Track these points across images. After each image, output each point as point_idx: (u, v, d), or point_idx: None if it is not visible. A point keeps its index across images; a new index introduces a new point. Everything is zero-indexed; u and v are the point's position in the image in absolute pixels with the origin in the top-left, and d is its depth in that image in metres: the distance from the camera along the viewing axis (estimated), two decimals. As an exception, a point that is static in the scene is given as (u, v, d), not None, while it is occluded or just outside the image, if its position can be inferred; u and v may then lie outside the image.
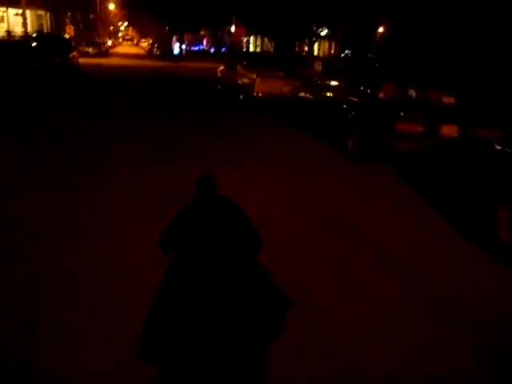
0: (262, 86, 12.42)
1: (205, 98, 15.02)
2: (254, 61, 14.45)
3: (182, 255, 2.52)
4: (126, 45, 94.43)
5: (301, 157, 8.08)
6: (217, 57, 48.51)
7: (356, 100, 7.93)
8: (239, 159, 7.50)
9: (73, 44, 21.52)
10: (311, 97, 9.80)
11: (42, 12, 44.68)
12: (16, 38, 24.18)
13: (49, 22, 45.02)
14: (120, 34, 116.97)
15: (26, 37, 20.36)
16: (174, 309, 2.38)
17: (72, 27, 40.12)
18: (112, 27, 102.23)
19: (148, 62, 36.63)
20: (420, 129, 6.70)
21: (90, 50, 41.65)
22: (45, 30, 43.86)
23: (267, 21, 25.88)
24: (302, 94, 10.44)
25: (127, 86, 18.20)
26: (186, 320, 2.33)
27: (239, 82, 13.75)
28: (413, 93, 7.66)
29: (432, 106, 7.03)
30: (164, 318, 2.38)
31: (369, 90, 7.75)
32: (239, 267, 2.46)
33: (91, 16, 73.23)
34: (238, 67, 14.29)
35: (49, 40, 19.32)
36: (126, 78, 21.94)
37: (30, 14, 44.24)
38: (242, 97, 13.56)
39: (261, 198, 5.62)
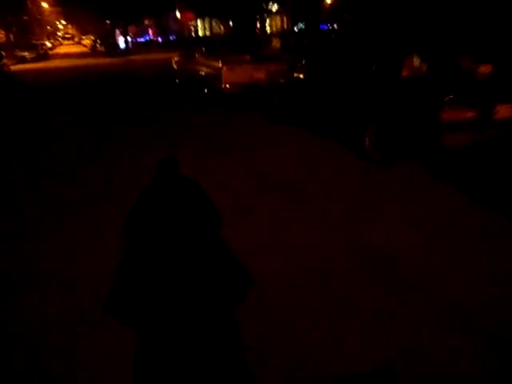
0: (230, 76, 10.30)
1: (164, 97, 12.68)
2: (213, 46, 12.28)
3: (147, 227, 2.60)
4: (67, 44, 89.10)
5: (309, 167, 6.01)
6: (166, 46, 45.56)
7: (367, 83, 5.98)
8: (228, 185, 5.39)
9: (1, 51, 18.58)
10: (299, 84, 7.77)
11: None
12: None
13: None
14: (59, 34, 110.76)
15: None
16: (139, 272, 2.53)
17: (3, 32, 36.27)
18: (49, 27, 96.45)
19: (93, 61, 33.53)
20: (472, 114, 4.85)
21: (27, 54, 38.04)
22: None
23: (218, 1, 23.54)
24: (285, 81, 8.42)
25: (71, 92, 15.66)
26: (149, 281, 2.46)
27: (200, 72, 11.55)
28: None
29: (480, 80, 5.16)
30: (130, 277, 2.57)
31: (384, 69, 5.79)
32: (199, 239, 2.57)
33: (25, 18, 68.20)
34: (197, 56, 12.04)
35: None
36: (69, 83, 19.24)
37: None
38: (206, 90, 11.39)
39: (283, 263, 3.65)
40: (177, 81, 14.13)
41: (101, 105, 12.00)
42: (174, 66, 14.05)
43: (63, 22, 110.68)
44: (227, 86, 10.34)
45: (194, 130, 8.47)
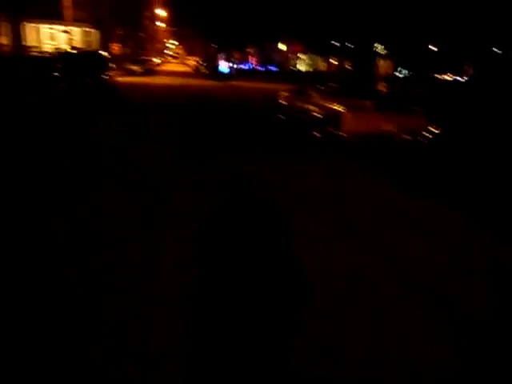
0: (352, 123, 8.74)
1: (266, 135, 11.36)
2: (331, 86, 10.84)
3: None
4: (173, 62, 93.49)
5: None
6: (267, 76, 45.30)
7: None
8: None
9: (109, 62, 18.59)
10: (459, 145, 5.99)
11: (89, 29, 43.10)
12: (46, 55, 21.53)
13: (97, 38, 43.36)
14: (169, 52, 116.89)
15: (52, 54, 17.66)
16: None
17: (118, 44, 37.94)
18: (160, 45, 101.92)
19: (196, 81, 33.80)
20: None
21: (136, 68, 39.42)
22: (93, 47, 42.25)
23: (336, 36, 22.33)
24: (428, 139, 6.68)
25: (168, 113, 14.96)
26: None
27: (314, 113, 10.11)
28: None
29: None
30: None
31: None
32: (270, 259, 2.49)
33: (140, 34, 72.31)
34: (312, 94, 10.65)
35: (78, 58, 16.41)
36: (170, 101, 18.79)
37: (79, 31, 42.79)
38: (319, 135, 9.89)
39: None
40: (283, 117, 12.81)
41: (196, 132, 10.98)
42: (282, 102, 12.79)
43: (172, 42, 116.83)
44: (348, 133, 8.76)
45: (298, 186, 6.95)
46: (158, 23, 79.20)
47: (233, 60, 49.52)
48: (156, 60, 63.75)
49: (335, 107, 9.26)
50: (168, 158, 8.19)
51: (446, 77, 42.17)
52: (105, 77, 17.06)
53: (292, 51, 50.66)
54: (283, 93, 13.12)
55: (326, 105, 9.71)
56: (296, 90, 11.95)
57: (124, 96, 18.79)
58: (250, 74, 48.72)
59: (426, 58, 42.79)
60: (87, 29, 43.23)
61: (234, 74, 43.02)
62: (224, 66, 44.89)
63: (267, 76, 45.80)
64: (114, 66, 19.13)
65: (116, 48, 37.47)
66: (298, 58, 51.44)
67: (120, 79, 30.72)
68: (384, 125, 8.76)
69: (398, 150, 7.60)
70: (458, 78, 39.74)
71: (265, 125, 12.64)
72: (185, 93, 23.01)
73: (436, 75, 40.32)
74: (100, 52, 18.40)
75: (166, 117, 13.66)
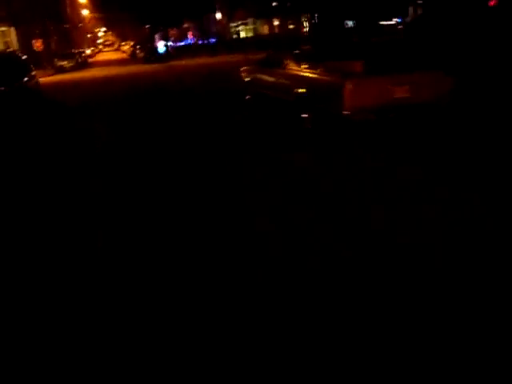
0: (357, 95, 6.20)
1: (238, 129, 8.40)
2: (309, 49, 8.19)
3: None
4: (108, 51, 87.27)
5: None
6: (208, 50, 41.78)
7: None
8: None
9: (30, 62, 15.11)
10: None
11: (4, 28, 38.02)
12: None
13: (15, 37, 38.38)
14: (100, 41, 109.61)
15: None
16: None
17: (40, 40, 33.42)
18: (90, 34, 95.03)
19: (133, 68, 30.15)
20: None
21: (65, 63, 35.18)
22: (12, 48, 37.36)
23: None
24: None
25: (105, 112, 11.97)
26: None
27: (296, 89, 7.42)
28: None
29: None
30: None
31: None
32: None
33: (65, 26, 66.28)
34: (288, 63, 7.93)
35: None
36: (105, 97, 15.61)
37: (-8, 31, 37.69)
38: (305, 116, 7.30)
39: None
40: (248, 98, 10.09)
41: (136, 134, 8.21)
42: (247, 78, 9.99)
43: (103, 29, 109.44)
44: (351, 111, 6.23)
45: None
46: (82, 11, 72.95)
47: (170, 39, 45.58)
48: (88, 51, 58.61)
49: (327, 77, 6.68)
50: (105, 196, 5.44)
51: (392, 22, 40.07)
52: (26, 81, 13.64)
53: (231, 20, 47.17)
54: (246, 67, 10.33)
55: (312, 75, 7.10)
56: (262, 60, 9.20)
57: (50, 100, 15.47)
58: (191, 50, 44.98)
59: (368, 5, 40.42)
60: (1, 28, 38.17)
61: (173, 53, 39.28)
62: (161, 46, 41.06)
63: (208, 49, 42.23)
64: (32, 67, 15.54)
65: (38, 44, 32.96)
66: (239, 25, 48.01)
67: (47, 79, 26.78)
68: (397, 91, 6.31)
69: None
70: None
71: (230, 113, 9.88)
72: (123, 83, 19.72)
73: (382, 22, 38.13)
74: (14, 53, 14.84)
75: (103, 120, 10.69)
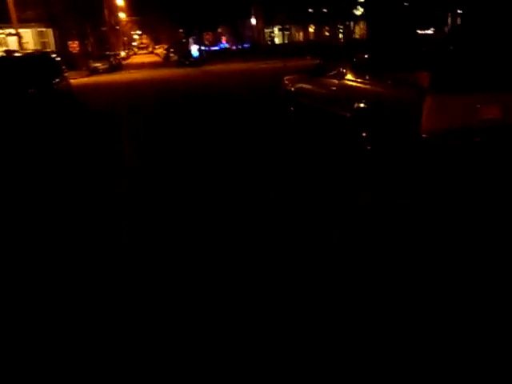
0: (441, 114, 5.07)
1: (284, 152, 7.10)
2: (366, 57, 7.09)
3: None
4: (142, 53, 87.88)
5: None
6: (242, 55, 41.05)
7: None
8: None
9: (61, 64, 14.44)
10: None
11: (43, 28, 38.25)
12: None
13: (52, 38, 38.53)
14: (135, 43, 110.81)
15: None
16: None
17: (76, 42, 33.32)
18: (125, 37, 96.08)
19: (166, 72, 29.58)
20: None
21: (99, 65, 34.95)
22: (49, 49, 37.50)
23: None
24: None
25: (137, 120, 11.16)
26: None
27: (357, 103, 6.33)
28: None
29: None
30: None
31: None
32: None
33: (103, 28, 66.89)
34: (347, 73, 6.84)
35: (15, 64, 12.30)
36: (137, 102, 14.86)
37: (31, 32, 37.92)
38: (364, 135, 6.19)
39: None
40: (292, 110, 9.04)
41: (169, 147, 7.27)
42: (289, 87, 8.96)
43: (138, 32, 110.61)
44: (430, 133, 5.10)
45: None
46: (119, 14, 73.59)
47: (204, 43, 45.09)
48: (122, 53, 58.87)
49: (398, 91, 5.58)
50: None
51: (429, 31, 38.44)
52: (57, 83, 12.97)
53: (266, 25, 46.33)
54: (291, 76, 9.28)
55: (377, 88, 6.01)
56: (312, 69, 8.13)
57: (82, 104, 14.82)
58: (224, 54, 44.37)
59: (404, 15, 38.90)
60: (40, 29, 38.40)
61: (206, 57, 38.67)
62: (195, 50, 40.52)
63: (242, 54, 41.48)
64: (64, 68, 14.92)
65: (75, 46, 32.85)
66: (273, 31, 47.12)
67: (81, 80, 26.48)
68: (485, 110, 5.16)
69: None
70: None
71: (272, 127, 8.85)
72: (155, 87, 18.99)
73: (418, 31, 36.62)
74: (47, 53, 14.22)
75: (133, 128, 9.84)
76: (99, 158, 7.27)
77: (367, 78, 6.35)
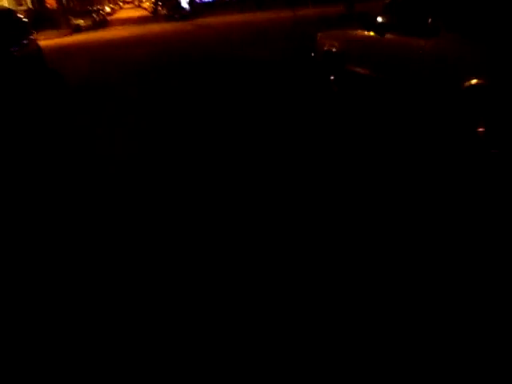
0: None
1: (318, 136, 4.90)
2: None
3: None
4: (128, 8, 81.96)
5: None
6: (235, 5, 37.03)
7: None
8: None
9: (27, 25, 11.51)
10: None
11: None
12: None
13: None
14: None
15: None
16: None
17: (52, -4, 29.54)
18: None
19: (155, 27, 26.17)
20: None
21: (81, 22, 31.30)
22: (25, 5, 33.51)
23: None
24: None
25: (115, 97, 8.61)
26: None
27: (470, 81, 3.82)
28: None
29: None
30: None
31: None
32: None
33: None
34: (447, 32, 4.24)
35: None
36: (119, 68, 12.12)
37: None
38: (482, 129, 3.80)
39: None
40: (333, 79, 6.48)
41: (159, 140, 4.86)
42: (328, 47, 6.34)
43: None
44: None
45: None
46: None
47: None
48: (107, 9, 54.13)
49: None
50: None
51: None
52: (21, 48, 10.21)
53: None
54: (328, 32, 6.62)
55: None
56: (367, 20, 5.47)
57: (54, 73, 12.05)
58: (217, 6, 40.30)
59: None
60: (13, -17, 34.16)
61: (198, 9, 34.85)
62: (185, 2, 36.61)
63: (237, 5, 37.49)
64: (32, 30, 12.03)
65: (51, 1, 29.09)
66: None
67: (61, 40, 23.22)
68: None
69: None
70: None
71: (303, 106, 6.31)
72: (144, 47, 16.04)
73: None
74: (10, 11, 11.29)
75: (109, 110, 7.32)
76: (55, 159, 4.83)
77: (486, 36, 3.82)
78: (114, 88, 9.25)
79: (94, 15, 33.61)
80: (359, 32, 5.66)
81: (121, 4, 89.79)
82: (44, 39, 22.29)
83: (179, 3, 36.47)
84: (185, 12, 32.15)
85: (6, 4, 33.42)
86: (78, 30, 30.51)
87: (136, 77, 10.23)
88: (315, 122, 5.38)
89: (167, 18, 32.11)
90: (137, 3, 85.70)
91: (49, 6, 29.34)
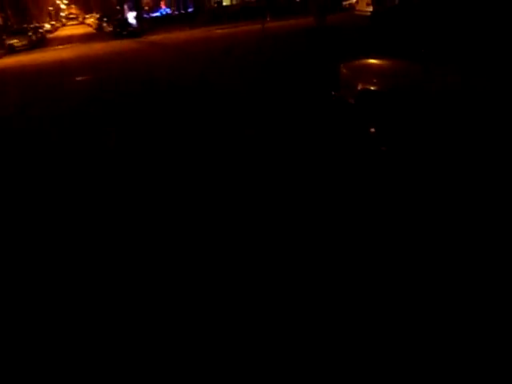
0: None
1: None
2: None
3: None
4: (72, 24, 77.32)
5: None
6: (186, 21, 34.31)
7: None
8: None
9: None
10: None
11: None
12: None
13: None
14: (63, 14, 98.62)
15: None
16: None
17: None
18: (51, 8, 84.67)
19: (100, 46, 23.14)
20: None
21: (16, 41, 27.63)
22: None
23: None
24: None
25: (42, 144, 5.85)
26: None
27: None
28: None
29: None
30: None
31: None
32: None
33: (23, -2, 56.97)
34: None
35: None
36: (51, 102, 9.30)
37: None
38: None
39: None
40: (373, 132, 4.11)
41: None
42: (358, 83, 4.00)
43: (65, 1, 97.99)
44: None
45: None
46: (39, -19, 63.17)
47: (142, 9, 37.94)
48: (47, 26, 49.97)
49: None
50: None
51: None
52: None
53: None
54: (359, 62, 4.24)
55: None
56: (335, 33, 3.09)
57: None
58: (166, 21, 37.56)
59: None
60: None
61: (146, 25, 31.95)
62: (132, 18, 33.71)
63: (187, 20, 34.81)
64: None
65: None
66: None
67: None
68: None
69: None
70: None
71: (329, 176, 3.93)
72: (85, 72, 13.14)
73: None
74: None
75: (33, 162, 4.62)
76: None
77: None
78: (35, 143, 6.43)
79: (31, 33, 29.94)
80: (405, 62, 3.32)
81: (63, 21, 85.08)
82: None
83: (126, 19, 33.50)
84: (132, 28, 29.25)
85: None
86: (12, 50, 26.85)
87: (68, 121, 7.40)
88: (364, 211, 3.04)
89: (114, 36, 29.04)
90: (81, 20, 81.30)
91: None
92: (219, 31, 22.66)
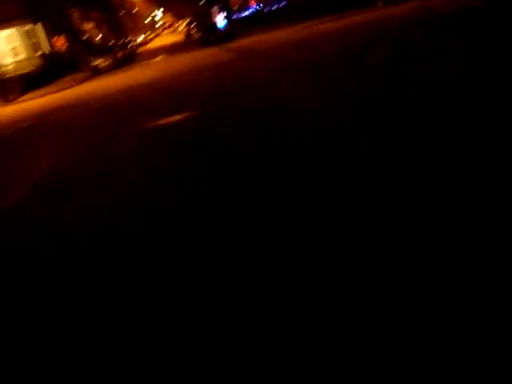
0: None
1: None
2: None
3: None
4: (167, 33, 76.62)
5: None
6: (281, 18, 28.70)
7: None
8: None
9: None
10: None
11: (29, 26, 28.07)
12: None
13: (44, 36, 28.40)
14: (160, 23, 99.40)
15: None
16: None
17: (61, 37, 23.21)
18: (148, 19, 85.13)
19: (182, 60, 19.00)
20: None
21: (100, 62, 24.77)
22: (42, 50, 27.59)
23: None
24: None
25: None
26: None
27: None
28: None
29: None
30: None
31: None
32: None
33: (122, 12, 56.56)
34: None
35: None
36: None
37: (16, 32, 27.92)
38: None
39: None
40: None
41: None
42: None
43: (161, 10, 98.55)
44: None
45: None
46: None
47: (232, 9, 33.64)
48: (140, 39, 48.34)
49: None
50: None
51: None
52: None
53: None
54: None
55: None
56: None
57: None
58: (259, 20, 32.64)
59: None
60: (27, 26, 28.30)
61: (236, 28, 27.37)
62: (221, 20, 29.56)
63: (283, 17, 29.36)
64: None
65: (59, 43, 22.81)
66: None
67: (68, 92, 16.22)
68: None
69: None
70: None
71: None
72: (156, 109, 8.64)
73: None
74: None
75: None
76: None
77: None
78: None
79: (117, 51, 27.03)
80: None
81: (159, 31, 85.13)
82: (52, 91, 15.63)
83: (214, 24, 29.40)
84: (220, 33, 24.91)
85: (23, 51, 27.92)
86: (96, 72, 24.06)
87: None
88: None
89: (202, 42, 24.94)
90: (173, 28, 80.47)
91: (56, 48, 22.96)
92: (322, 26, 17.18)
